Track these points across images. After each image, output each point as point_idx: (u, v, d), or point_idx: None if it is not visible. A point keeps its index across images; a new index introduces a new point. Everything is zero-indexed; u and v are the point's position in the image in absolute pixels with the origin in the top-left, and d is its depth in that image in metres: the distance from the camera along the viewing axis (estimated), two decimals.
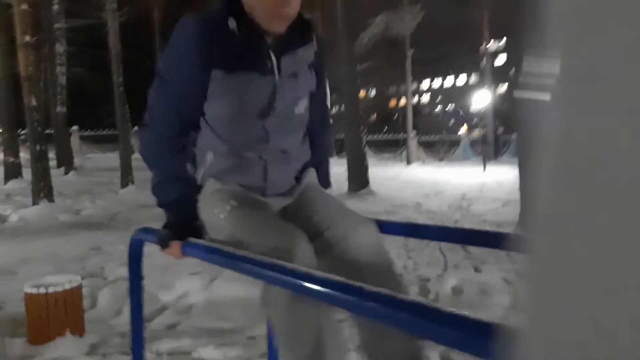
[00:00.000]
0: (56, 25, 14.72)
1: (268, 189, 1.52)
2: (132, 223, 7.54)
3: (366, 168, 11.06)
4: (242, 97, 1.43)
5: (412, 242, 6.07)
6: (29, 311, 3.12)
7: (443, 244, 5.85)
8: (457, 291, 4.17)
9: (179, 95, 1.44)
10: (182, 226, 1.46)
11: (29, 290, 3.12)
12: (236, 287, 4.13)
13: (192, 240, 1.42)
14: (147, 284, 4.34)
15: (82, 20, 15.23)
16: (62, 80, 14.78)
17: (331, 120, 1.76)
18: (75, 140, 19.65)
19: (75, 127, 20.45)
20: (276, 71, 1.44)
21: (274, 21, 1.41)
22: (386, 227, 1.44)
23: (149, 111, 1.47)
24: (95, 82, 20.64)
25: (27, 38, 8.25)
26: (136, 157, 19.75)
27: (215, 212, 1.41)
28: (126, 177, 11.23)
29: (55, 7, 14.72)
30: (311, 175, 1.63)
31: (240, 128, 1.47)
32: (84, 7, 14.65)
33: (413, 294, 4.06)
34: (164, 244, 1.45)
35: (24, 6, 8.25)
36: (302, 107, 1.54)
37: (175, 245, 1.43)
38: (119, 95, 11.29)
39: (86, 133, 23.08)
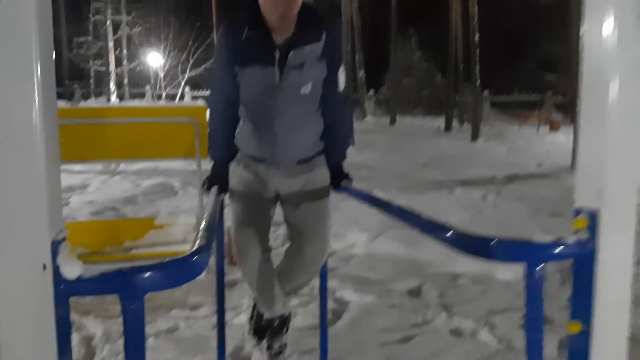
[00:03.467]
0: None
1: (279, 155, 1.97)
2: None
3: None
4: (252, 83, 1.92)
5: None
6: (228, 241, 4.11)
7: None
8: None
9: (221, 84, 1.99)
10: (213, 179, 2.08)
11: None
12: (394, 245, 4.52)
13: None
14: None
15: None
16: None
17: (346, 99, 2.12)
18: None
19: None
20: (277, 63, 1.86)
21: (275, 23, 1.83)
22: (355, 193, 1.70)
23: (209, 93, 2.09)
24: None
25: None
26: (360, 122, 21.15)
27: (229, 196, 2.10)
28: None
29: None
30: (319, 171, 2.09)
31: (256, 104, 1.96)
32: None
33: None
34: (203, 187, 2.11)
35: None
36: (307, 88, 1.92)
37: (206, 191, 2.06)
38: (346, 62, 12.34)
39: None
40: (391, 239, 4.57)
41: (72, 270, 0.64)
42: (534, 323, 0.82)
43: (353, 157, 10.49)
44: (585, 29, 0.78)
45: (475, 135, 15.68)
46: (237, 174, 2.07)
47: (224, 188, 2.06)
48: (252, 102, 1.97)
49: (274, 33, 1.87)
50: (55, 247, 0.64)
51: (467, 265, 4.05)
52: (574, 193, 0.84)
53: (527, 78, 25.17)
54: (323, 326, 2.30)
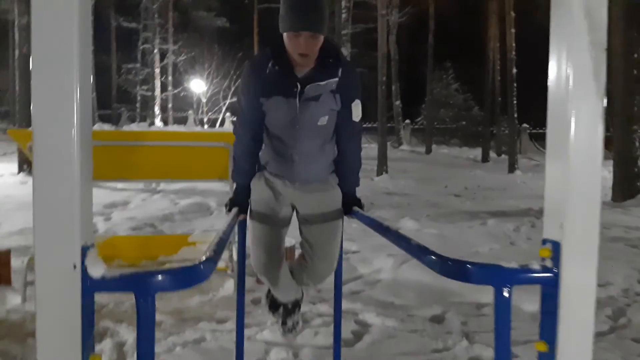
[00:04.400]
0: (343, 32, 17.01)
1: (296, 177, 2.15)
2: (372, 207, 8.54)
3: (637, 175, 9.58)
4: (276, 114, 2.07)
5: None
6: None
7: None
8: None
9: (247, 115, 2.15)
10: (235, 201, 2.23)
11: None
12: (421, 272, 4.54)
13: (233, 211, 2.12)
14: (352, 257, 5.16)
15: (362, 25, 17.32)
16: None
17: (359, 132, 2.23)
18: None
19: None
20: (297, 95, 2.00)
21: (298, 60, 1.97)
22: (363, 218, 1.79)
23: (235, 123, 2.24)
24: (374, 80, 23.03)
25: None
26: (395, 150, 21.26)
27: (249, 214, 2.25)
28: (382, 167, 12.42)
29: (344, 15, 17.02)
30: (332, 192, 2.23)
31: (278, 133, 2.11)
32: (366, 13, 16.64)
33: (603, 317, 3.74)
34: (225, 208, 2.25)
35: None
36: (324, 120, 2.06)
37: (228, 213, 2.18)
38: (381, 93, 12.53)
39: (367, 125, 25.79)
40: (418, 266, 4.57)
41: (97, 270, 0.78)
42: (502, 341, 0.90)
43: (386, 184, 10.62)
44: (550, 77, 0.88)
45: (512, 167, 15.47)
46: (257, 189, 2.22)
47: (244, 210, 2.22)
48: (274, 131, 2.12)
49: (296, 68, 2.02)
50: (84, 251, 0.78)
51: (493, 295, 4.03)
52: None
53: None
54: (337, 346, 2.38)
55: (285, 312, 2.52)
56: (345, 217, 2.31)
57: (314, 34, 1.90)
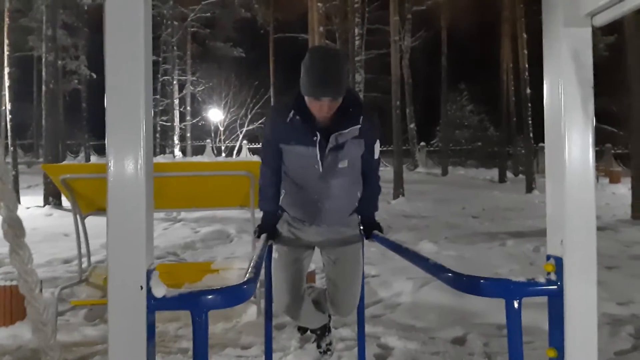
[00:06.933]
0: (357, 58, 17.32)
1: (320, 221, 2.29)
2: (389, 230, 8.61)
3: None
4: (297, 160, 2.18)
5: None
6: None
7: None
8: None
9: (268, 155, 2.29)
10: (263, 227, 2.34)
11: None
12: (440, 295, 4.59)
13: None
14: (372, 281, 5.21)
15: (376, 51, 17.66)
16: None
17: (378, 165, 2.36)
18: None
19: None
20: (317, 145, 2.08)
21: (317, 116, 2.07)
22: (382, 241, 1.90)
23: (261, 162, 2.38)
24: (388, 104, 23.34)
25: None
26: (411, 172, 21.34)
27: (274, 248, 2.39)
28: (398, 190, 12.49)
29: (357, 42, 17.38)
30: (352, 235, 2.36)
31: (300, 181, 2.23)
32: (379, 39, 16.99)
33: (625, 334, 3.75)
34: (254, 235, 2.37)
35: None
36: (345, 163, 2.15)
37: (257, 238, 2.29)
38: (396, 117, 12.70)
39: (382, 148, 25.97)
40: (438, 288, 4.64)
41: (159, 291, 0.91)
42: (515, 347, 1.00)
43: (403, 207, 10.68)
44: (545, 109, 1.01)
45: (529, 187, 15.43)
46: (280, 235, 2.37)
47: (272, 236, 2.34)
48: (296, 177, 2.24)
49: (317, 118, 2.08)
50: (148, 274, 0.91)
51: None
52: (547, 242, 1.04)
53: None
54: None
55: (316, 336, 2.66)
56: (365, 242, 2.43)
57: (334, 98, 1.96)
